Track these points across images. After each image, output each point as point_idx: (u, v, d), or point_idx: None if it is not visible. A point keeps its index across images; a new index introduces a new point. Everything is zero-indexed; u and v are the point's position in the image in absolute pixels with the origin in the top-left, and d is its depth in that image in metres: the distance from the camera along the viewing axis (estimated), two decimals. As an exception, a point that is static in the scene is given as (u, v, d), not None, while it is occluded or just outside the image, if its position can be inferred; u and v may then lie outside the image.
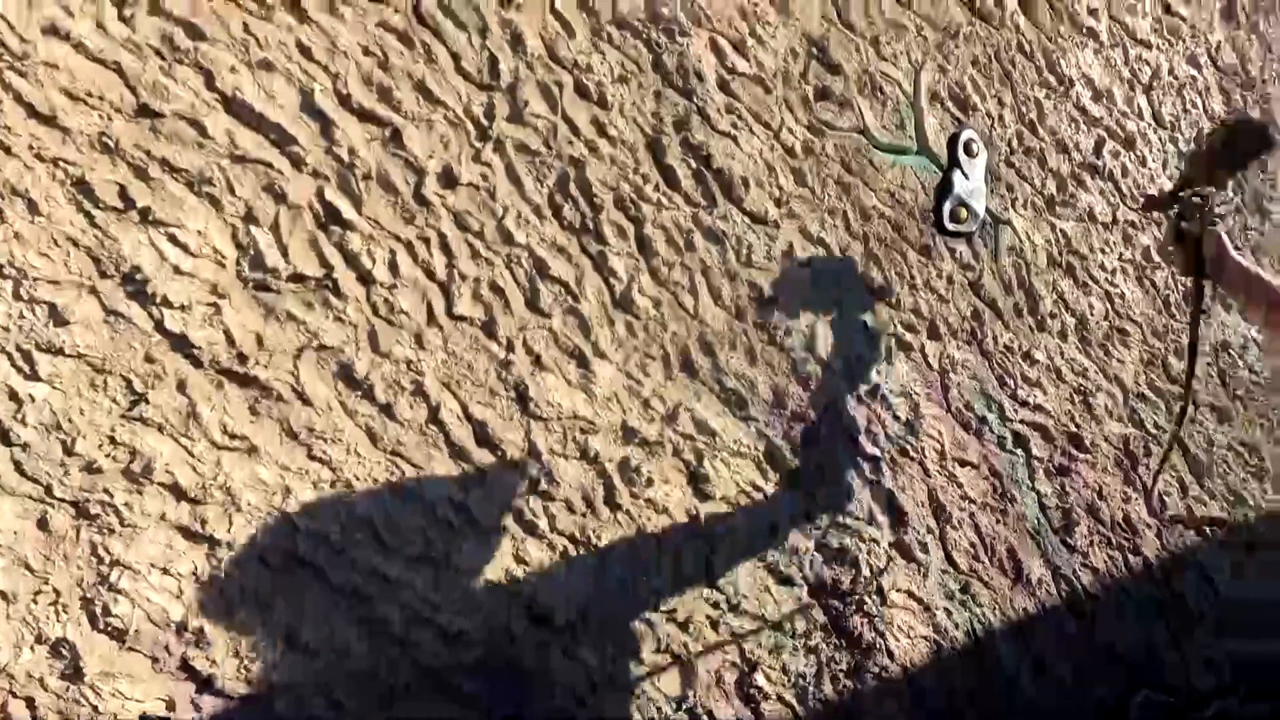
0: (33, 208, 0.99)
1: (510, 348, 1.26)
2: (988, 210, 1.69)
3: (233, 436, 1.10)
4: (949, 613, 1.68)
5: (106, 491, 1.03)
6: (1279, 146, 1.39)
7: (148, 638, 1.05)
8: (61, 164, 1.00)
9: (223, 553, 1.10)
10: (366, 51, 1.15)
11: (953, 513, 1.68)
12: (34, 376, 1.00)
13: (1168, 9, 1.95)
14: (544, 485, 1.29)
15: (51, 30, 0.99)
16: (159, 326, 1.06)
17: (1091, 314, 1.85)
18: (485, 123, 1.24)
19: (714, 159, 1.40)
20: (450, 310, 1.22)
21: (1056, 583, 1.83)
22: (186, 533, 1.08)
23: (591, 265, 1.32)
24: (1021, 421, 1.76)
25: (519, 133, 1.26)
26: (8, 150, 0.98)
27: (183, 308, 1.06)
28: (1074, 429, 1.83)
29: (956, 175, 1.63)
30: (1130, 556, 1.93)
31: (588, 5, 1.30)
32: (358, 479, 1.17)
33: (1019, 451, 1.76)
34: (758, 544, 1.47)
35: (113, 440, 1.03)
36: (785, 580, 1.49)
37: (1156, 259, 1.96)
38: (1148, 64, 1.92)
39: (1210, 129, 1.44)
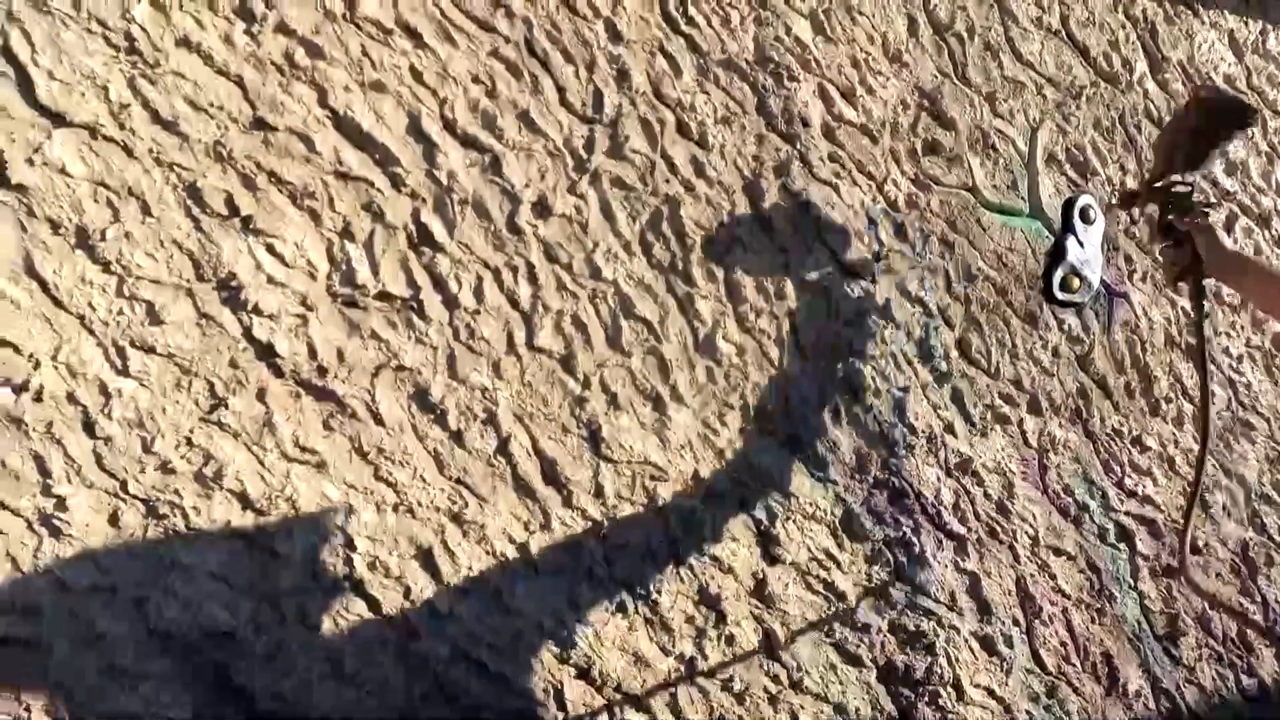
0: (145, 209, 1.01)
1: (587, 384, 1.22)
2: (1102, 281, 1.57)
3: (304, 450, 1.08)
4: (1031, 717, 1.52)
5: (177, 493, 1.03)
6: (1256, 120, 1.27)
7: (191, 644, 1.03)
8: (176, 169, 1.03)
9: (279, 567, 1.07)
10: (476, 79, 1.16)
11: (1043, 606, 1.53)
12: (124, 372, 1.01)
13: (1315, 80, 1.81)
14: (607, 530, 1.23)
15: (184, 42, 1.03)
16: (247, 333, 1.06)
17: (1212, 401, 1.69)
18: (584, 155, 1.22)
19: (812, 207, 1.35)
20: (530, 341, 1.19)
21: (1156, 697, 1.64)
22: (248, 542, 1.06)
23: (677, 306, 1.27)
24: (1127, 513, 1.61)
25: (617, 167, 1.24)
26: (130, 152, 1.01)
27: (271, 317, 1.07)
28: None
29: (1070, 242, 1.53)
30: (1244, 677, 1.72)
31: (696, 45, 1.28)
32: (420, 505, 1.14)
33: (1122, 546, 1.60)
34: (825, 617, 1.36)
35: (189, 442, 1.03)
36: (853, 660, 1.38)
37: (1289, 348, 1.78)
38: (1289, 137, 1.78)
39: (1180, 111, 1.31)
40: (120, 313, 1.01)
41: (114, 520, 1.00)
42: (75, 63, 0.98)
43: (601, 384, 1.23)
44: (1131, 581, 1.62)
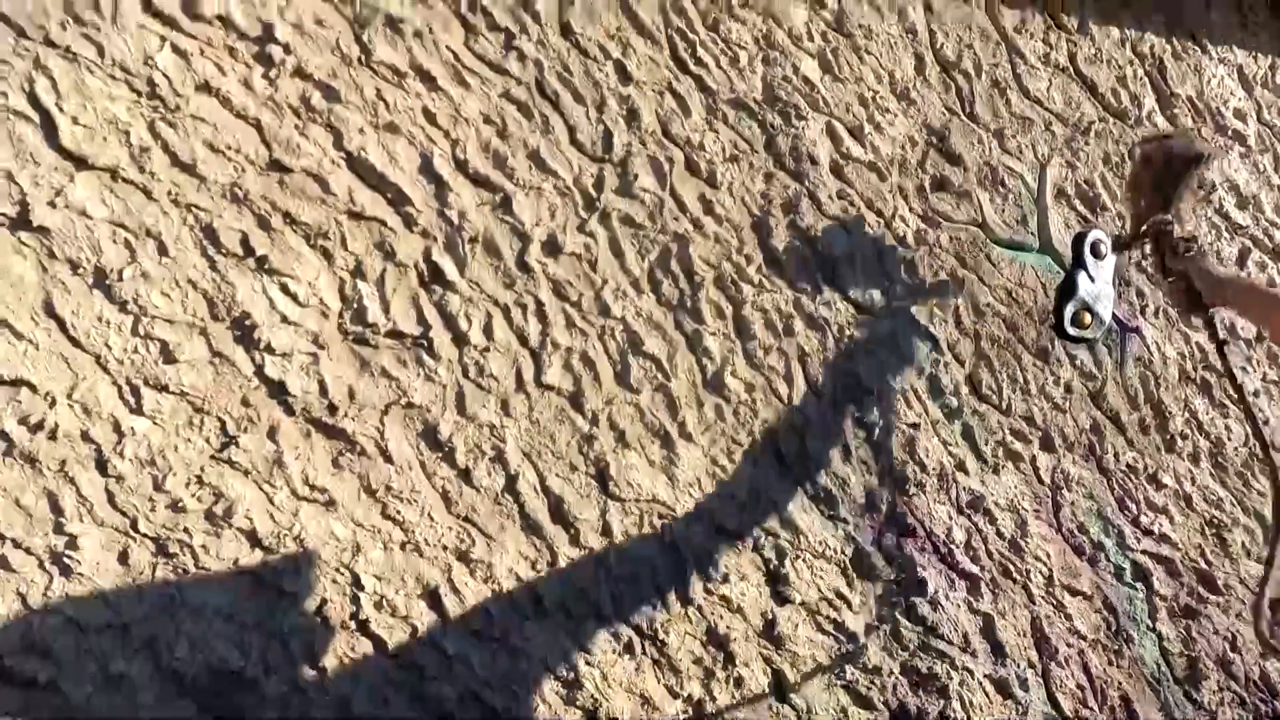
0: (162, 249, 1.03)
1: (595, 422, 1.22)
2: (1114, 316, 1.56)
3: (313, 488, 1.09)
4: (1047, 761, 1.49)
5: (187, 531, 1.03)
6: (1210, 156, 1.33)
7: (202, 682, 1.03)
8: (194, 209, 1.05)
9: (287, 605, 1.07)
10: (487, 120, 1.18)
11: (1059, 647, 1.50)
12: (138, 410, 1.02)
13: (1327, 115, 1.80)
14: (615, 569, 1.22)
15: (204, 86, 1.05)
16: (259, 372, 1.07)
17: (1229, 438, 1.66)
18: (593, 194, 1.23)
19: (821, 243, 1.35)
20: (539, 378, 1.19)
21: (1176, 741, 1.60)
22: (257, 580, 1.06)
23: (685, 343, 1.28)
24: (1143, 552, 1.58)
25: (626, 205, 1.25)
26: (148, 194, 1.03)
27: (284, 355, 1.08)
28: (1205, 566, 1.63)
29: (1081, 277, 1.52)
30: (1267, 722, 1.68)
31: (705, 85, 1.30)
32: (427, 543, 1.14)
33: (1139, 586, 1.57)
34: (836, 659, 1.34)
35: (200, 480, 1.04)
36: (864, 703, 1.35)
37: (1306, 382, 1.75)
38: (1302, 171, 1.77)
39: (1134, 154, 1.35)
40: (135, 351, 1.02)
41: (124, 559, 1.01)
42: (99, 108, 1.00)
43: (610, 421, 1.23)
44: (1150, 622, 1.58)
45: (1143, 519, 1.57)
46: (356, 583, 1.10)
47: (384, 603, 1.10)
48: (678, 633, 1.25)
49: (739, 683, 1.27)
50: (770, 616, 1.30)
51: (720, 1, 1.31)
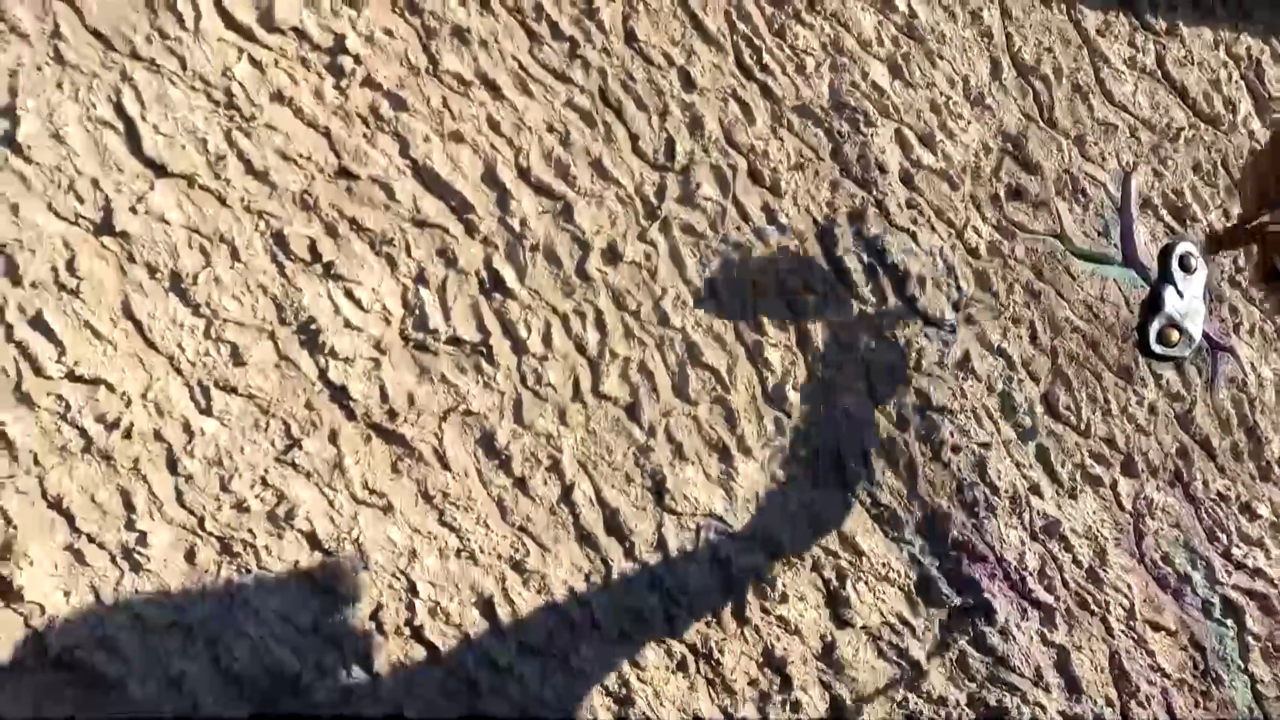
0: (234, 254, 1.05)
1: (652, 433, 1.20)
2: (1204, 334, 1.46)
3: (372, 492, 1.09)
4: (1125, 808, 1.39)
5: (250, 532, 1.05)
6: None
7: (260, 684, 1.04)
8: (265, 216, 1.07)
9: (344, 609, 1.08)
10: (550, 128, 1.17)
11: (1140, 685, 1.40)
12: (207, 411, 1.04)
13: None
14: (669, 585, 1.19)
15: (278, 96, 1.07)
16: (323, 375, 1.08)
17: (1335, 466, 1.54)
18: (655, 202, 1.21)
19: (889, 254, 1.31)
20: (596, 388, 1.18)
21: (1269, 794, 1.48)
22: (313, 584, 1.07)
23: (745, 355, 1.24)
24: (1234, 586, 1.47)
25: (687, 214, 1.23)
26: (223, 201, 1.05)
27: (347, 360, 1.09)
28: (1305, 605, 1.50)
29: (1168, 292, 1.42)
30: (1375, 778, 1.53)
31: (770, 92, 1.27)
32: (482, 551, 1.13)
33: (1229, 623, 1.46)
34: (897, 686, 1.28)
35: (264, 482, 1.05)
36: (927, 735, 1.29)
37: None
38: None
39: (1266, 146, 1.20)
40: (207, 354, 1.04)
41: (190, 557, 1.03)
42: (179, 117, 1.03)
43: (667, 433, 1.20)
44: (1241, 662, 1.47)
45: (1234, 551, 1.46)
46: (412, 589, 1.10)
47: (438, 610, 1.10)
48: (732, 652, 1.21)
49: (795, 707, 1.22)
50: (829, 639, 1.25)
51: (787, 7, 1.28)
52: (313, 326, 1.08)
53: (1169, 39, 1.49)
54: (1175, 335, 1.44)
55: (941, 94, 1.34)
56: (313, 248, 1.08)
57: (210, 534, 1.03)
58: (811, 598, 1.25)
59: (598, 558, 1.17)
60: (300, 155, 1.08)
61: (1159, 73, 1.47)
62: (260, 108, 1.06)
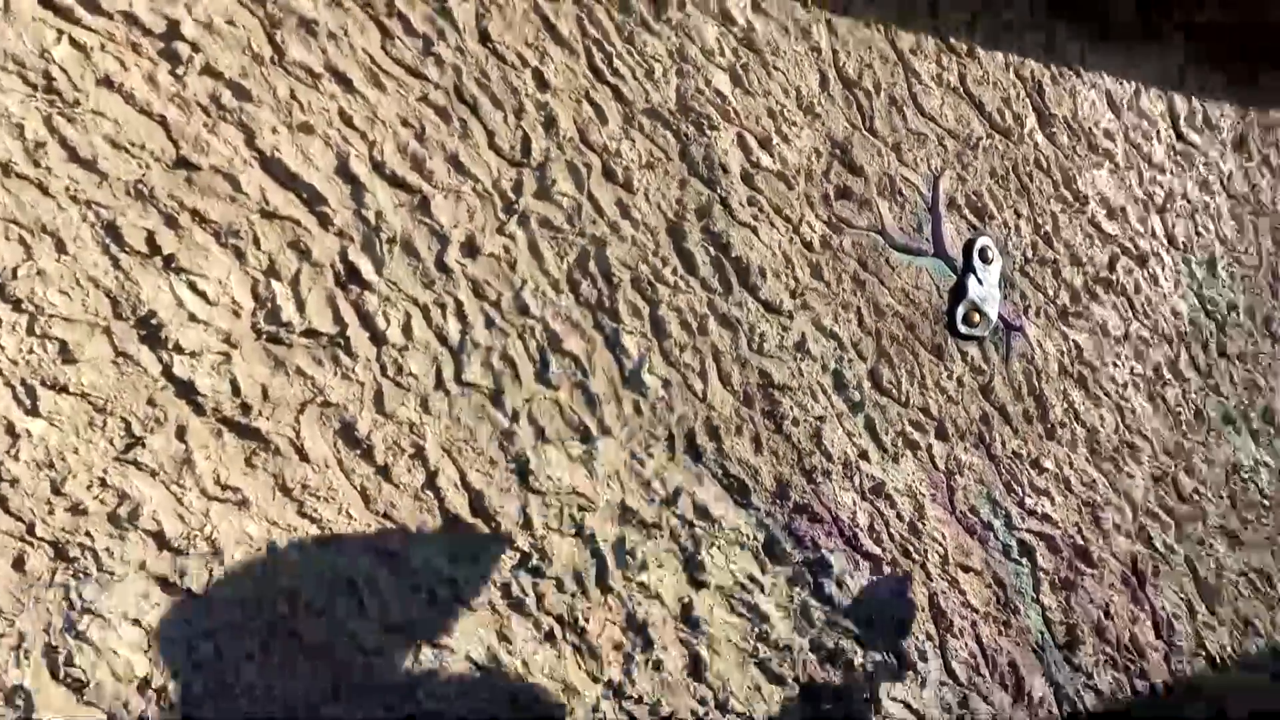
0: (60, 247, 1.00)
1: (515, 418, 1.25)
2: (1000, 316, 1.70)
3: (225, 487, 1.08)
4: (945, 728, 1.61)
5: (89, 535, 1.01)
6: None
7: (108, 692, 1.01)
8: (94, 206, 1.02)
9: (198, 608, 1.06)
10: (405, 123, 1.19)
11: (954, 620, 1.62)
12: (34, 412, 0.99)
13: (1181, 137, 2.01)
14: (535, 561, 1.26)
15: (105, 81, 1.03)
16: (166, 371, 1.05)
17: (1102, 426, 1.83)
18: (513, 197, 1.26)
19: (733, 247, 1.43)
20: (459, 376, 1.22)
21: (1059, 702, 1.75)
22: (164, 584, 1.05)
23: (604, 342, 1.32)
24: (1028, 530, 1.72)
25: (544, 209, 1.29)
26: (44, 190, 1.00)
27: (193, 354, 1.06)
28: (1081, 542, 1.79)
29: (971, 280, 1.65)
30: (1136, 680, 1.85)
31: (621, 95, 1.35)
32: (346, 540, 1.14)
33: (1024, 561, 1.72)
34: (749, 639, 1.42)
35: (103, 483, 1.02)
36: (776, 679, 1.43)
37: (1168, 375, 1.95)
38: (1161, 187, 1.97)
39: None
40: (30, 351, 0.99)
41: (19, 565, 0.98)
42: (-11, 100, 0.97)
43: (530, 417, 1.26)
44: (1034, 594, 1.73)
45: (1027, 501, 1.72)
46: (271, 582, 1.09)
47: (300, 599, 1.10)
48: (598, 620, 1.29)
49: (658, 665, 1.32)
50: (687, 601, 1.36)
51: (635, 16, 1.36)
52: (153, 321, 1.05)
53: (969, 60, 1.70)
54: (977, 317, 1.67)
55: (777, 102, 1.48)
56: (150, 240, 1.05)
57: (41, 539, 0.99)
58: (670, 564, 1.36)
59: (463, 539, 1.21)
60: (133, 144, 1.04)
61: (961, 89, 1.69)
62: (86, 93, 1.02)
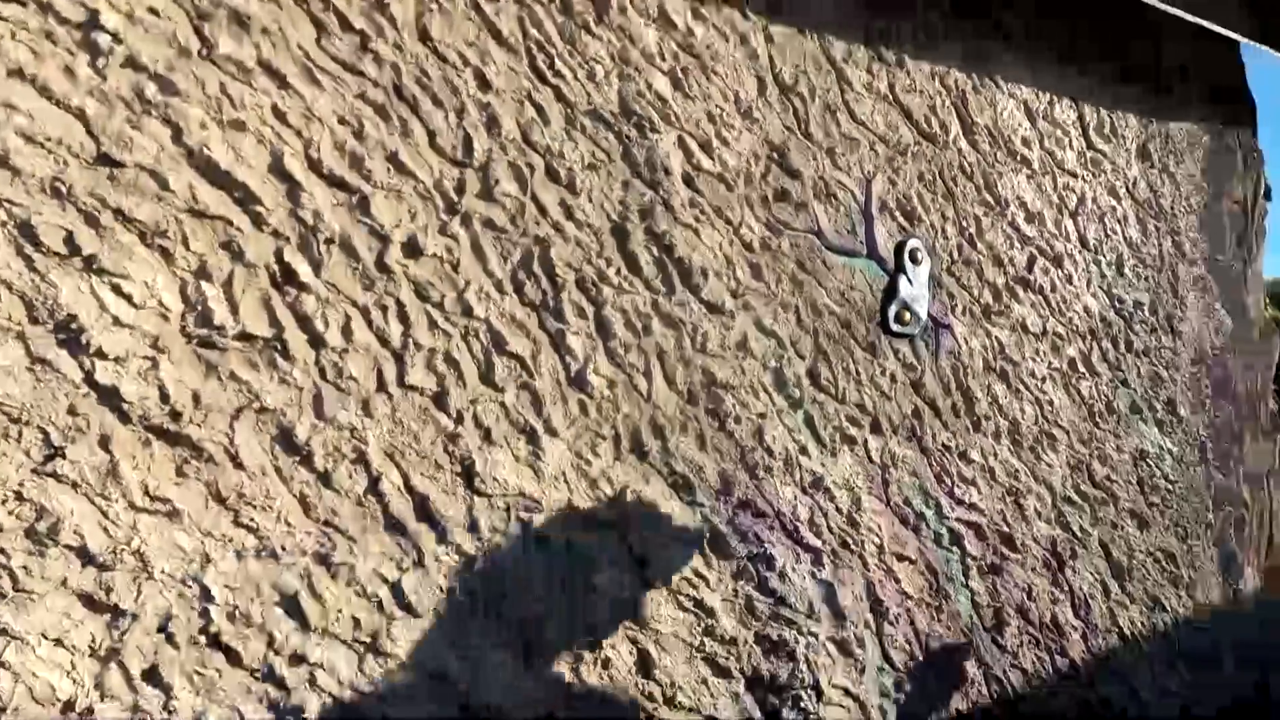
0: (-32, 247, 0.95)
1: (460, 420, 1.24)
2: (929, 314, 1.78)
3: (153, 498, 1.03)
4: (883, 711, 1.67)
5: (3, 552, 0.96)
6: None
7: (28, 716, 0.95)
8: (5, 205, 0.97)
9: (126, 624, 1.01)
10: (342, 121, 1.17)
11: (890, 607, 1.69)
12: (-60, 423, 0.93)
13: (1090, 145, 2.15)
14: (482, 564, 1.25)
15: (17, 73, 0.98)
16: (88, 378, 1.01)
17: (1023, 418, 1.94)
18: (455, 197, 1.26)
19: (675, 248, 1.45)
20: (401, 379, 1.20)
21: (988, 682, 1.85)
22: (88, 601, 1.00)
23: (549, 342, 1.33)
24: (957, 519, 1.81)
25: (487, 209, 1.28)
26: (-50, 187, 0.94)
27: (118, 360, 1.02)
28: (1005, 528, 1.89)
29: (902, 280, 1.72)
30: (1057, 657, 1.97)
31: (563, 96, 1.36)
32: (284, 549, 1.11)
33: (954, 549, 1.80)
34: (696, 634, 1.44)
35: (19, 496, 0.96)
36: (722, 672, 1.46)
37: (1082, 369, 2.08)
38: (1074, 192, 2.10)
39: None
40: (-65, 359, 0.93)
41: (-76, 586, 0.92)
42: (-117, 90, 0.91)
43: (475, 419, 1.26)
44: (964, 579, 1.82)
45: (956, 490, 1.80)
46: (206, 595, 1.06)
47: (237, 614, 1.07)
48: (549, 621, 1.29)
49: (606, 663, 1.33)
50: (635, 599, 1.38)
51: (577, 17, 1.37)
52: (73, 325, 1.00)
53: (898, 69, 1.78)
54: (908, 316, 1.74)
55: (716, 106, 1.51)
56: (69, 240, 1.00)
57: (-50, 559, 0.93)
58: (618, 562, 1.37)
59: (410, 545, 1.20)
60: (48, 138, 0.99)
61: (890, 97, 1.76)
62: (-6, 84, 0.96)
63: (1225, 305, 2.44)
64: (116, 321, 1.02)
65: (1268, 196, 2.59)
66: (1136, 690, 2.12)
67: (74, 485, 0.99)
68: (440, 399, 1.23)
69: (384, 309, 1.19)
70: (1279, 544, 2.54)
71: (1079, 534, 2.03)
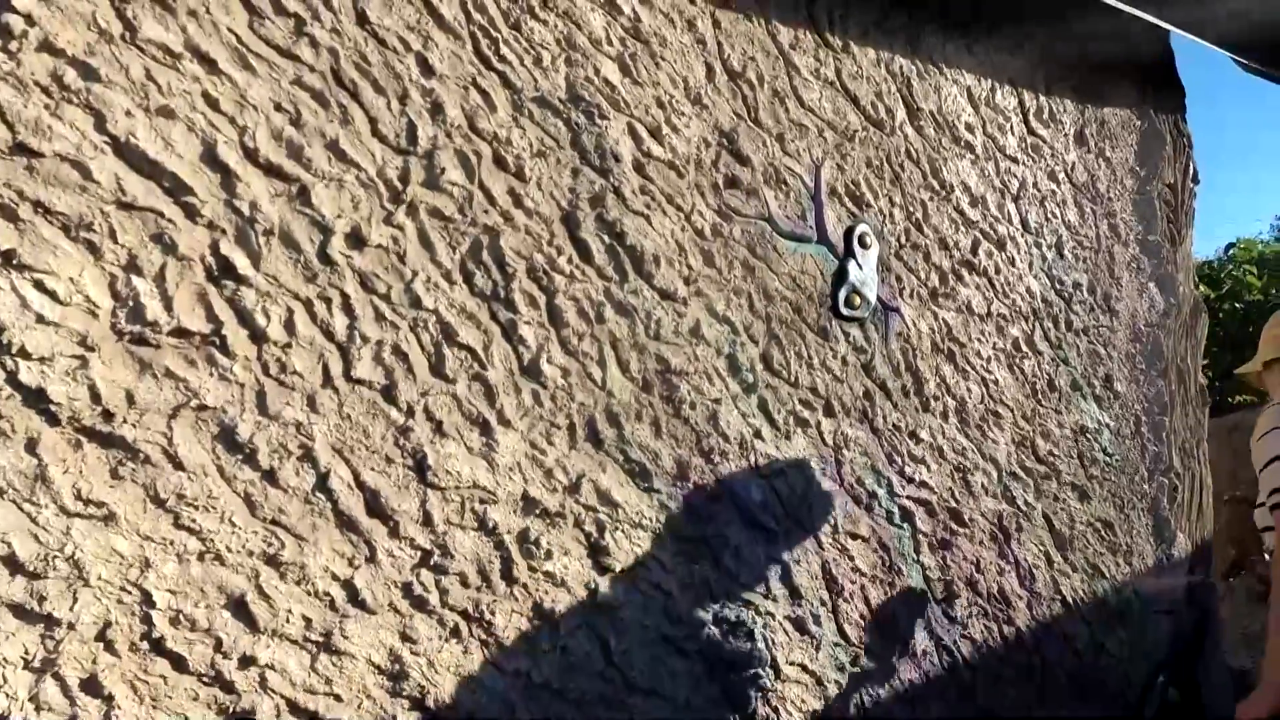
0: None
1: (410, 413, 1.22)
2: (879, 298, 1.82)
3: (87, 503, 1.00)
4: (839, 685, 1.72)
5: (-76, 564, 0.91)
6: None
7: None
8: (-87, 197, 0.92)
9: (61, 634, 0.98)
10: (278, 107, 1.13)
11: (845, 585, 1.73)
12: None
13: (1030, 130, 2.21)
14: (438, 558, 1.24)
15: (-81, 56, 0.92)
16: (11, 379, 0.96)
17: (969, 397, 2.00)
18: (399, 186, 1.23)
19: (627, 236, 1.45)
20: (348, 373, 1.18)
21: (939, 653, 1.91)
22: (19, 611, 0.96)
23: (500, 333, 1.31)
24: (908, 497, 1.86)
25: (434, 198, 1.26)
26: None
27: (43, 360, 0.97)
28: (954, 504, 1.95)
29: (851, 265, 1.75)
30: (1004, 626, 2.05)
31: (510, 82, 1.34)
32: (230, 550, 1.08)
33: (905, 525, 1.85)
34: (655, 617, 1.46)
35: (-61, 505, 0.92)
36: (682, 654, 1.48)
37: (1025, 349, 2.15)
38: (1015, 176, 2.16)
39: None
40: None
41: None
42: None
43: (426, 412, 1.24)
44: (915, 555, 1.87)
45: (906, 469, 1.85)
46: (147, 600, 1.02)
47: (181, 618, 1.04)
48: (504, 612, 1.29)
49: (565, 651, 1.34)
50: (593, 586, 1.38)
51: (521, 2, 1.35)
52: (-8, 324, 0.95)
53: (844, 55, 1.80)
54: (858, 300, 1.78)
55: (665, 92, 1.51)
56: (-16, 234, 0.95)
57: None
58: (575, 551, 1.37)
59: (361, 541, 1.18)
60: (-43, 127, 0.93)
61: (838, 83, 1.78)
62: (-106, 69, 0.90)
63: (1157, 284, 2.55)
64: (40, 319, 0.97)
65: (1195, 180, 2.71)
66: (1079, 652, 2.22)
67: (0, 492, 0.94)
68: (389, 392, 1.21)
69: (328, 301, 1.16)
70: (1209, 511, 2.68)
71: (1023, 507, 2.11)
